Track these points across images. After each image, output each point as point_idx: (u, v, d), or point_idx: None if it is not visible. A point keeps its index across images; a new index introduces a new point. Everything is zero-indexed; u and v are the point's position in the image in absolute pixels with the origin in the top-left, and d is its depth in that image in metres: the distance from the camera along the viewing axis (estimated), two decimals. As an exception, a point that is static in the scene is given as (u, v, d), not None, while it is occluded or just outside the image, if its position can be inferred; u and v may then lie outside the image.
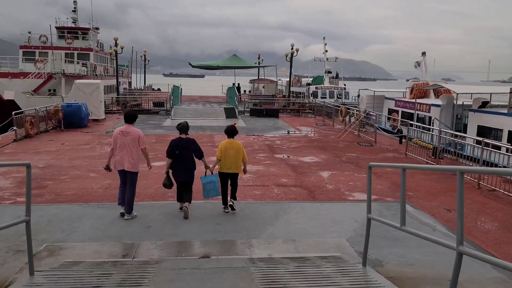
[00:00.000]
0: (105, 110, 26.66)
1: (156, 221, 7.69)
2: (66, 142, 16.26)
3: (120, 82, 48.00)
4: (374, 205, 7.98)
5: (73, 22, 45.39)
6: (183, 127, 8.08)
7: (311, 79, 48.52)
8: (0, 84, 29.54)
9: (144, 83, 53.38)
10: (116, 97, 32.84)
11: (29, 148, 14.90)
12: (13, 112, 16.61)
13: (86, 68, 34.75)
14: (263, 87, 41.50)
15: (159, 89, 51.88)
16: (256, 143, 16.77)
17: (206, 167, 8.13)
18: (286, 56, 35.71)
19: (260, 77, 47.43)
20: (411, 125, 14.61)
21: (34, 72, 30.56)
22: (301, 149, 15.77)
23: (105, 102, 30.12)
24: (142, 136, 7.84)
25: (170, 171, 8.08)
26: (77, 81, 23.28)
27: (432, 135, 15.02)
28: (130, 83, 55.13)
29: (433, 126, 18.40)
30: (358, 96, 40.36)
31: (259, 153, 14.74)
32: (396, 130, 19.29)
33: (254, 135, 19.03)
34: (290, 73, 36.14)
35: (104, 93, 37.23)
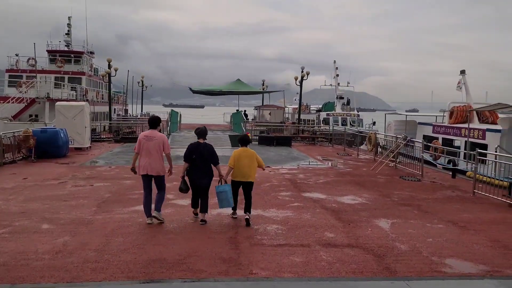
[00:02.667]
0: (92, 138, 23.28)
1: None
2: (31, 176, 12.71)
3: (115, 109, 44.92)
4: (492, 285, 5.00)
5: (66, 46, 42.62)
6: (201, 132, 8.06)
7: (320, 106, 45.36)
8: None
9: (142, 111, 50.21)
10: (109, 123, 29.44)
11: (-22, 184, 11.36)
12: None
13: (76, 92, 31.51)
14: (270, 114, 38.23)
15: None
16: (275, 178, 13.21)
17: (220, 175, 7.98)
18: (296, 80, 32.58)
19: (264, 104, 44.23)
20: (480, 154, 11.05)
21: (15, 96, 27.30)
22: (333, 185, 12.22)
23: (95, 129, 26.85)
24: (166, 141, 7.89)
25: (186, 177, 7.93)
26: (58, 103, 19.93)
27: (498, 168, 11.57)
28: (126, 110, 51.99)
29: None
30: (374, 123, 37.10)
31: (282, 191, 11.17)
32: (447, 161, 15.83)
33: (268, 167, 15.52)
34: (300, 97, 32.94)
35: (96, 120, 34.08)
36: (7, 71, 35.36)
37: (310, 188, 11.68)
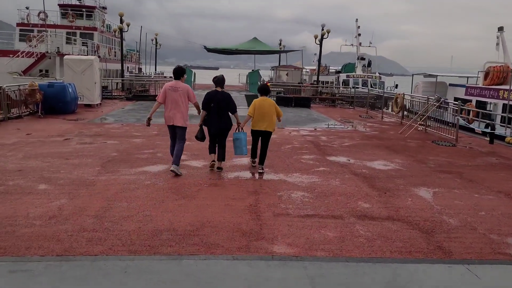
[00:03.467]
0: (104, 95, 22.39)
1: None
2: (36, 132, 11.89)
3: (128, 67, 43.80)
4: None
5: (78, 0, 41.14)
6: (219, 80, 7.95)
7: (338, 68, 43.56)
8: None
9: (155, 70, 49.02)
10: (121, 80, 28.43)
11: (-22, 139, 10.57)
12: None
13: (87, 48, 30.36)
14: (287, 74, 36.72)
15: (171, 77, 47.47)
16: (296, 139, 12.17)
17: (238, 123, 8.02)
18: (316, 39, 30.95)
19: (281, 65, 42.58)
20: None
21: (24, 51, 26.31)
22: (360, 148, 11.15)
23: (106, 87, 25.92)
24: (191, 91, 7.77)
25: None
26: (67, 57, 18.90)
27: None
28: (140, 69, 50.86)
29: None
30: (396, 86, 35.43)
31: (304, 154, 10.15)
32: (485, 125, 14.52)
33: (287, 128, 14.47)
34: (320, 57, 31.38)
35: (107, 77, 33.07)
36: (18, 25, 34.22)
37: (335, 151, 10.64)
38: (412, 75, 22.82)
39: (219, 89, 7.96)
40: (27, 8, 34.91)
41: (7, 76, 22.83)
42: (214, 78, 8.04)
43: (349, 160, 9.53)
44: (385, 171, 8.70)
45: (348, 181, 7.76)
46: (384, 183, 7.71)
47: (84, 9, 38.40)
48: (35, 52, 25.98)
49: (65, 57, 18.76)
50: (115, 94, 24.58)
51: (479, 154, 11.06)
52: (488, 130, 13.99)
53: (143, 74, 44.28)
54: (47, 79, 22.54)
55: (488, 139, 12.92)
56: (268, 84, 8.38)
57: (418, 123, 14.17)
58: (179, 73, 7.74)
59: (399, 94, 17.13)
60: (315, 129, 14.72)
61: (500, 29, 20.30)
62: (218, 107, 7.79)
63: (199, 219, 5.46)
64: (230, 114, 7.96)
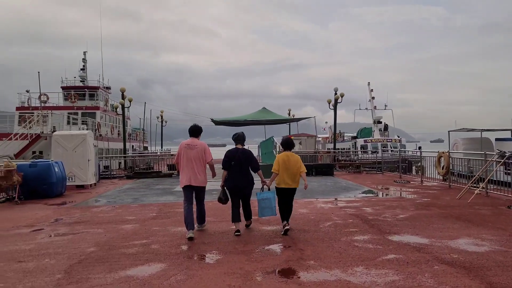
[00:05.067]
0: (102, 175, 20.05)
1: None
2: (1, 222, 9.29)
3: (132, 146, 42.07)
4: None
5: (81, 81, 40.46)
6: (239, 137, 7.67)
7: (354, 134, 41.45)
8: None
9: (161, 147, 47.23)
10: (123, 157, 26.20)
11: None
12: None
13: (87, 126, 28.59)
14: (300, 143, 34.46)
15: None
16: (334, 213, 9.42)
17: (263, 182, 7.48)
18: (330, 103, 29.16)
19: (291, 134, 40.54)
20: None
21: (17, 133, 24.44)
22: (424, 221, 8.35)
23: (108, 166, 23.69)
24: (208, 149, 7.39)
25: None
26: (56, 133, 16.80)
27: None
28: (146, 148, 49.22)
29: None
30: (419, 148, 32.89)
31: (355, 233, 7.37)
32: None
33: (318, 199, 11.80)
34: (335, 121, 29.31)
35: (108, 155, 30.94)
36: (17, 108, 32.91)
37: (394, 227, 7.85)
38: (449, 131, 20.38)
39: (239, 146, 7.57)
40: (27, 91, 33.85)
41: (-3, 160, 20.69)
42: (234, 135, 7.69)
43: (425, 241, 6.74)
44: (485, 254, 5.89)
45: (444, 276, 4.95)
46: (502, 277, 4.89)
47: (87, 90, 37.48)
48: (30, 134, 24.09)
49: (55, 133, 16.67)
50: (114, 173, 22.18)
51: None
52: None
53: (149, 152, 42.43)
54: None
55: None
56: (292, 137, 7.59)
57: (481, 186, 11.33)
58: (197, 131, 7.47)
59: (443, 152, 14.51)
60: (352, 199, 12.00)
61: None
62: (239, 165, 7.35)
63: None
64: (252, 172, 7.48)
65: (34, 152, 23.57)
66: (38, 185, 13.10)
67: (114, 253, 6.34)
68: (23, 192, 12.89)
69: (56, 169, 13.66)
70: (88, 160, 16.07)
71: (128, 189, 15.92)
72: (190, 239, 6.91)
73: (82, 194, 14.46)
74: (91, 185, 16.31)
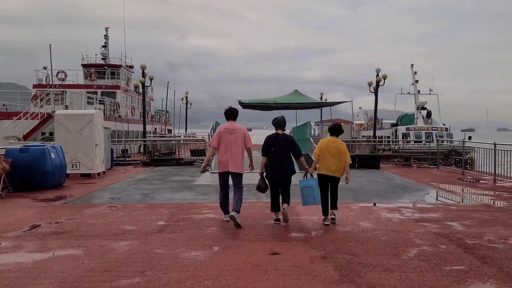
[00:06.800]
0: (115, 161, 17.84)
1: None
2: (-41, 228, 6.97)
3: (155, 128, 40.00)
4: None
5: (102, 59, 38.46)
6: (279, 122, 7.13)
7: (393, 121, 38.07)
8: None
9: (186, 130, 45.05)
10: (143, 141, 23.97)
11: None
12: None
13: (104, 106, 26.45)
14: (335, 129, 31.50)
15: (202, 137, 43.11)
16: (412, 231, 6.63)
17: (305, 168, 7.07)
18: (370, 86, 26.06)
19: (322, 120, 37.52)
20: None
21: (27, 111, 22.43)
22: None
23: (126, 150, 21.52)
24: (248, 134, 7.13)
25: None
26: (58, 112, 14.54)
27: None
28: (169, 130, 47.20)
29: None
30: (469, 138, 29.55)
31: (465, 276, 4.62)
32: None
33: (377, 205, 9.11)
34: (376, 107, 26.25)
35: (127, 137, 28.88)
36: (34, 86, 31.12)
37: (509, 259, 5.11)
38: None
39: (280, 131, 7.08)
40: (44, 68, 31.95)
41: (3, 142, 18.70)
42: (274, 119, 7.19)
43: None
44: None
45: None
46: None
47: (108, 68, 35.41)
48: (41, 113, 22.05)
49: (57, 112, 14.41)
50: (129, 159, 19.91)
51: None
52: None
53: (171, 135, 40.25)
54: (48, 143, 18.23)
55: None
56: (342, 123, 7.17)
57: None
58: (234, 114, 7.15)
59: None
60: (423, 206, 9.23)
61: None
62: (279, 152, 6.87)
63: None
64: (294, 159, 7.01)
65: (43, 134, 21.52)
66: (30, 174, 10.85)
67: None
68: (12, 182, 10.64)
69: (53, 156, 11.35)
70: (96, 145, 13.75)
71: (140, 180, 13.54)
72: (231, 218, 6.69)
73: (85, 185, 12.14)
74: (98, 173, 14.02)
